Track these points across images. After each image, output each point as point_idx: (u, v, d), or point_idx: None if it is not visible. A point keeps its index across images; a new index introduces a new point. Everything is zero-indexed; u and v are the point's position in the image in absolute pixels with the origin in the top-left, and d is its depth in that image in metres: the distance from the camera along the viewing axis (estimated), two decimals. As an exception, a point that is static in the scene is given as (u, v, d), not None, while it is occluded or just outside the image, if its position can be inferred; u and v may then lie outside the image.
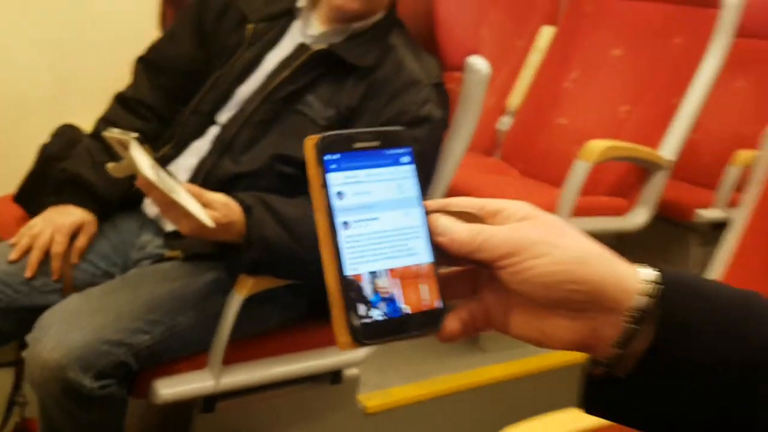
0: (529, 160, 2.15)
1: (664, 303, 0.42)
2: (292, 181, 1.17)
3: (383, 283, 0.42)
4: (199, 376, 1.15)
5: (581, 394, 0.47)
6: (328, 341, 1.31)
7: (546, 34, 2.25)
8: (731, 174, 2.04)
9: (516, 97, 2.33)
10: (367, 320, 0.41)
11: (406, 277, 0.43)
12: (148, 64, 1.33)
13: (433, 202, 0.46)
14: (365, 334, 0.41)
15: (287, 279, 1.16)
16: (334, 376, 1.36)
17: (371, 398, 1.52)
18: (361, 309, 0.41)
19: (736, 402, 0.43)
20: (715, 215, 2.06)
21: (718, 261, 1.01)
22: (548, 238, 0.43)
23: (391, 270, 0.42)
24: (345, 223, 0.42)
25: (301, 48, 1.22)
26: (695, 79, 1.83)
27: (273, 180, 1.17)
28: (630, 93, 1.96)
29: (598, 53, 2.05)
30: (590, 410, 0.48)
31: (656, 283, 0.42)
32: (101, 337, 0.98)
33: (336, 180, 0.42)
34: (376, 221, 0.43)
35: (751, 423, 0.43)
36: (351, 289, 0.41)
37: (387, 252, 0.43)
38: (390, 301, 0.42)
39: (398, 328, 0.42)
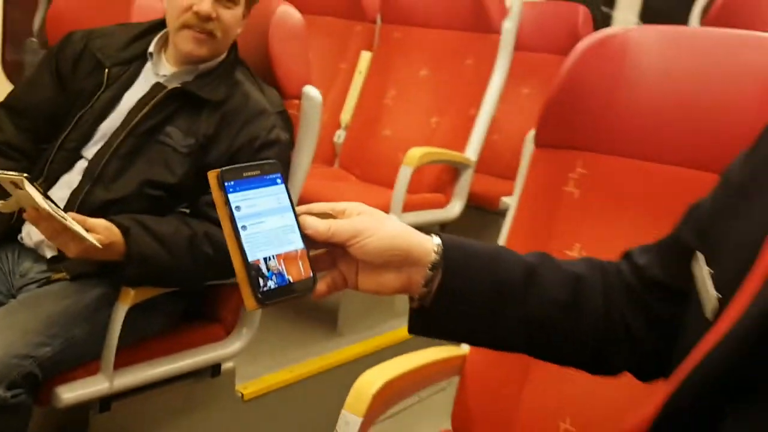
0: (363, 167, 2.44)
1: (445, 255, 0.69)
2: (161, 203, 1.35)
3: (273, 264, 0.61)
4: (95, 381, 1.29)
5: (408, 321, 0.73)
6: (206, 339, 1.51)
7: (365, 58, 2.57)
8: (525, 164, 2.47)
9: (347, 114, 2.62)
10: (265, 289, 0.60)
11: (288, 259, 0.62)
12: (10, 109, 1.44)
13: (301, 207, 0.67)
14: (265, 298, 0.60)
15: (166, 287, 1.34)
16: (213, 369, 1.55)
17: (247, 387, 1.72)
18: (261, 282, 0.60)
19: (495, 313, 0.71)
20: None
21: (502, 231, 1.34)
22: (375, 224, 0.67)
23: (278, 255, 0.61)
24: (243, 227, 0.60)
25: (157, 87, 1.40)
26: (487, 92, 2.21)
27: (143, 203, 1.34)
28: (437, 106, 2.32)
29: (409, 74, 2.40)
30: (413, 331, 0.75)
31: (441, 245, 0.70)
32: (10, 352, 1.11)
33: (234, 198, 0.60)
34: (264, 223, 0.61)
35: (506, 330, 0.72)
36: (252, 269, 0.60)
37: (274, 243, 0.61)
38: (279, 275, 0.61)
39: (286, 291, 0.61)
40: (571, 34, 2.71)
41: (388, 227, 0.67)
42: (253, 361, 1.80)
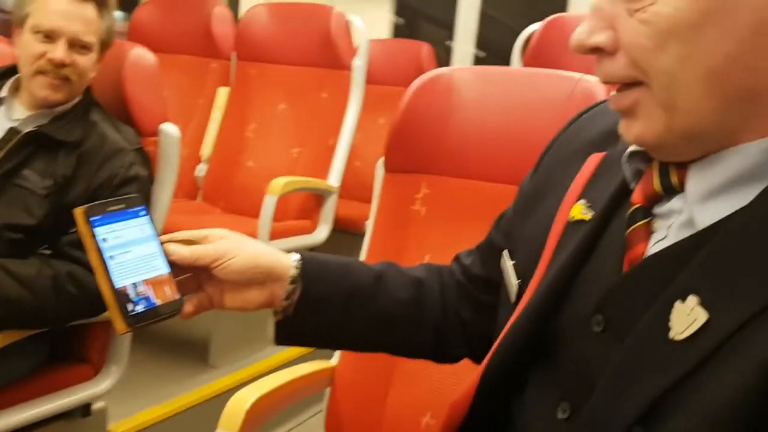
0: (227, 198, 2.49)
1: (303, 269, 0.78)
2: (22, 245, 1.34)
3: (141, 289, 0.65)
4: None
5: (274, 333, 0.81)
6: (74, 380, 1.50)
7: (222, 94, 2.64)
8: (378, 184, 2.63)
9: (207, 147, 2.65)
10: (134, 312, 0.64)
11: (155, 283, 0.66)
12: None
13: (165, 236, 0.73)
14: (134, 321, 0.64)
15: (31, 329, 1.33)
16: (84, 410, 1.54)
17: (120, 425, 1.71)
18: (129, 306, 0.64)
19: (349, 316, 0.82)
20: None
21: (362, 250, 1.46)
22: (237, 245, 0.75)
23: (145, 281, 0.66)
24: (111, 257, 0.64)
25: (12, 131, 1.40)
26: (343, 123, 2.35)
27: (4, 247, 1.32)
28: (298, 138, 2.42)
29: (269, 108, 2.49)
30: (279, 342, 0.83)
31: (299, 260, 0.79)
32: None
33: (100, 231, 0.64)
34: (131, 253, 0.66)
35: (360, 329, 0.82)
36: (121, 295, 0.63)
37: (141, 270, 0.66)
38: (147, 299, 0.65)
39: (154, 314, 0.66)
40: (417, 69, 2.93)
41: (249, 248, 0.75)
42: (126, 400, 1.79)
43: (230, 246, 0.74)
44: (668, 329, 0.51)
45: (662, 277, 0.53)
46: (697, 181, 0.54)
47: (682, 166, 0.55)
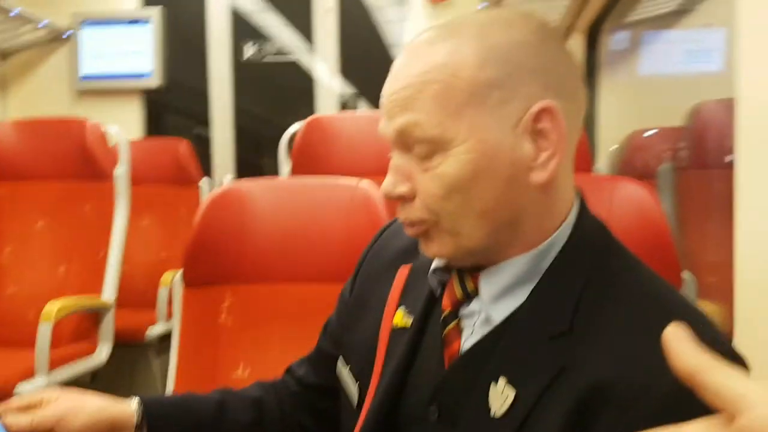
0: (-9, 333, 2.23)
1: (146, 413, 0.82)
2: None
3: None
4: None
5: None
6: None
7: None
8: (162, 293, 2.58)
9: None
10: None
11: None
12: None
13: (0, 407, 0.74)
14: None
15: None
16: None
17: None
18: None
19: None
20: (160, 330, 2.56)
21: (170, 368, 1.46)
22: (76, 404, 0.78)
23: None
24: None
25: None
26: (112, 234, 2.28)
27: None
28: (63, 255, 2.28)
29: (25, 228, 2.31)
30: None
31: (140, 406, 0.82)
32: None
33: None
34: None
35: None
36: None
37: None
38: None
39: None
40: (177, 165, 2.96)
41: (88, 405, 0.78)
42: None
43: (68, 406, 0.77)
44: (489, 409, 0.64)
45: (477, 366, 0.67)
46: (487, 287, 0.69)
47: (475, 275, 0.70)
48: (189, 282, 1.44)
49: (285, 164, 2.25)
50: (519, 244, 0.67)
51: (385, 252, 0.87)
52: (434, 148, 0.65)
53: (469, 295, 0.71)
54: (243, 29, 3.50)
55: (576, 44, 2.98)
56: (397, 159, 0.68)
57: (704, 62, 2.45)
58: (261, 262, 1.40)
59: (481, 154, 0.64)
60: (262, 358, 1.37)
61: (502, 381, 0.64)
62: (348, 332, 0.86)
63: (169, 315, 2.52)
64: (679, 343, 0.40)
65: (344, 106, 3.65)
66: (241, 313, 1.40)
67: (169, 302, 2.51)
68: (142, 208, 2.78)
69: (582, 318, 0.63)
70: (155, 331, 2.55)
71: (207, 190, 2.95)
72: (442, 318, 0.73)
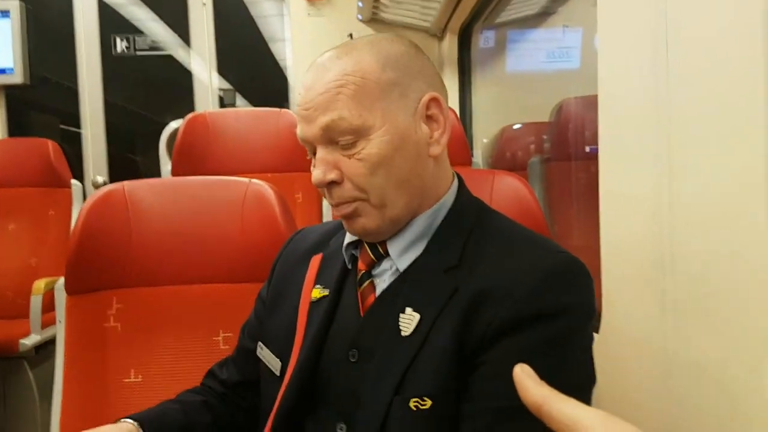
0: None
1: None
2: None
3: None
4: None
5: None
6: None
7: None
8: (35, 302, 2.43)
9: None
10: None
11: None
12: None
13: None
14: None
15: None
16: None
17: None
18: None
19: None
20: (35, 340, 2.41)
21: (56, 379, 1.39)
22: None
23: None
24: None
25: None
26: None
27: None
28: None
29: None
30: None
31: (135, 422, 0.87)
32: None
33: None
34: None
35: None
36: None
37: None
38: None
39: None
40: (45, 166, 2.79)
41: None
42: None
43: None
44: (400, 331, 0.78)
45: (388, 305, 0.81)
46: (394, 246, 0.84)
47: (383, 241, 0.85)
48: (72, 289, 1.38)
49: (166, 163, 2.20)
50: (424, 206, 0.85)
51: (296, 253, 0.98)
52: (358, 136, 0.79)
53: (380, 257, 0.86)
54: (113, 22, 3.35)
55: (450, 44, 3.12)
56: (322, 153, 0.82)
57: (564, 60, 2.66)
58: (149, 265, 1.37)
59: (395, 136, 0.79)
60: (155, 362, 1.34)
61: (408, 309, 0.79)
62: (266, 323, 0.96)
63: (44, 324, 2.38)
64: (527, 381, 0.50)
65: (222, 102, 3.59)
66: (129, 318, 1.36)
67: (44, 311, 2.37)
68: (8, 211, 2.60)
69: (468, 254, 0.80)
70: (30, 341, 2.40)
71: (79, 192, 2.80)
72: (358, 278, 0.86)
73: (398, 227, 0.84)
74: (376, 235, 0.85)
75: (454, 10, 2.76)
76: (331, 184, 0.81)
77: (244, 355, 0.99)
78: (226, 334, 1.34)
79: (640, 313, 0.95)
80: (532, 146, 2.62)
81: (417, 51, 0.86)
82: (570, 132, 2.22)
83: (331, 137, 0.80)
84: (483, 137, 2.95)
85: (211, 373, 1.03)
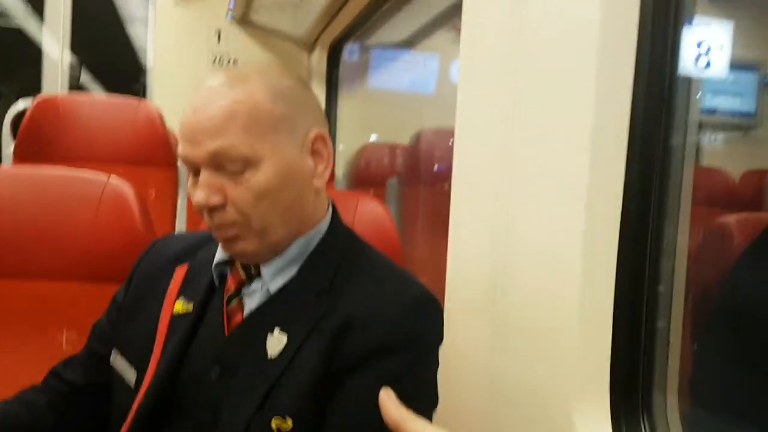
0: None
1: None
2: None
3: None
4: None
5: None
6: None
7: None
8: None
9: None
10: None
11: None
12: None
13: None
14: None
15: None
16: None
17: None
18: None
19: None
20: None
21: None
22: None
23: None
24: None
25: None
26: None
27: None
28: None
29: None
30: None
31: None
32: None
33: None
34: None
35: None
36: None
37: None
38: None
39: None
40: None
41: None
42: None
43: None
44: (266, 353, 0.81)
45: (256, 325, 0.84)
46: (268, 269, 0.87)
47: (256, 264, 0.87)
48: None
49: (8, 145, 2.05)
50: (300, 233, 0.88)
51: (159, 258, 0.97)
52: (246, 165, 0.81)
53: (252, 278, 0.88)
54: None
55: (320, 58, 3.19)
56: (206, 176, 0.82)
57: (424, 85, 2.84)
58: (-11, 256, 1.29)
59: (283, 168, 0.83)
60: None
61: (276, 331, 0.82)
62: (122, 329, 0.94)
63: None
64: (388, 402, 0.59)
65: (73, 84, 3.39)
66: (-39, 310, 1.27)
67: None
68: None
69: (338, 280, 0.85)
70: None
71: None
72: (226, 297, 0.88)
73: (276, 252, 0.87)
74: (253, 258, 0.87)
75: (326, 25, 2.83)
76: (214, 208, 0.82)
77: (94, 358, 0.96)
78: (70, 333, 1.29)
79: (473, 338, 1.07)
80: (391, 166, 2.75)
81: (305, 86, 0.90)
82: (424, 160, 2.37)
83: (218, 162, 0.81)
84: (347, 152, 3.05)
85: (54, 373, 0.99)
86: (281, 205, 0.84)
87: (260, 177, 0.81)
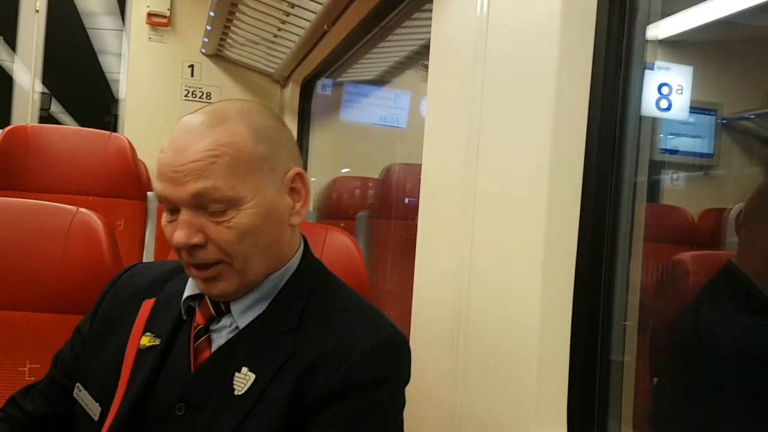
0: None
1: None
2: None
3: None
4: None
5: None
6: None
7: None
8: None
9: None
10: None
11: None
12: None
13: None
14: None
15: None
16: None
17: None
18: None
19: None
20: None
21: None
22: None
23: None
24: None
25: None
26: None
27: None
28: None
29: None
30: None
31: None
32: None
33: None
34: None
35: None
36: None
37: None
38: None
39: None
40: None
41: None
42: None
43: None
44: (233, 390, 0.81)
45: (224, 362, 0.84)
46: (237, 305, 0.87)
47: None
48: None
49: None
50: (275, 270, 0.89)
51: (126, 290, 0.96)
52: (229, 205, 0.81)
53: (221, 313, 0.88)
54: None
55: (292, 93, 3.23)
56: (187, 216, 0.82)
57: (395, 120, 2.90)
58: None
59: (264, 207, 0.83)
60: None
61: (244, 369, 0.82)
62: (86, 361, 0.92)
63: None
64: None
65: (44, 114, 3.38)
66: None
67: None
68: None
69: (307, 318, 0.85)
70: None
71: None
72: (195, 332, 0.87)
73: (250, 289, 0.87)
74: (232, 297, 0.87)
75: (299, 62, 2.88)
76: (194, 247, 0.82)
77: (56, 388, 0.94)
78: (33, 366, 1.27)
79: (438, 370, 1.09)
80: (362, 199, 2.78)
81: (282, 125, 0.90)
82: (393, 195, 2.41)
83: (200, 203, 0.81)
84: (319, 184, 3.07)
85: (13, 401, 0.96)
86: (262, 244, 0.84)
87: (243, 217, 0.82)
